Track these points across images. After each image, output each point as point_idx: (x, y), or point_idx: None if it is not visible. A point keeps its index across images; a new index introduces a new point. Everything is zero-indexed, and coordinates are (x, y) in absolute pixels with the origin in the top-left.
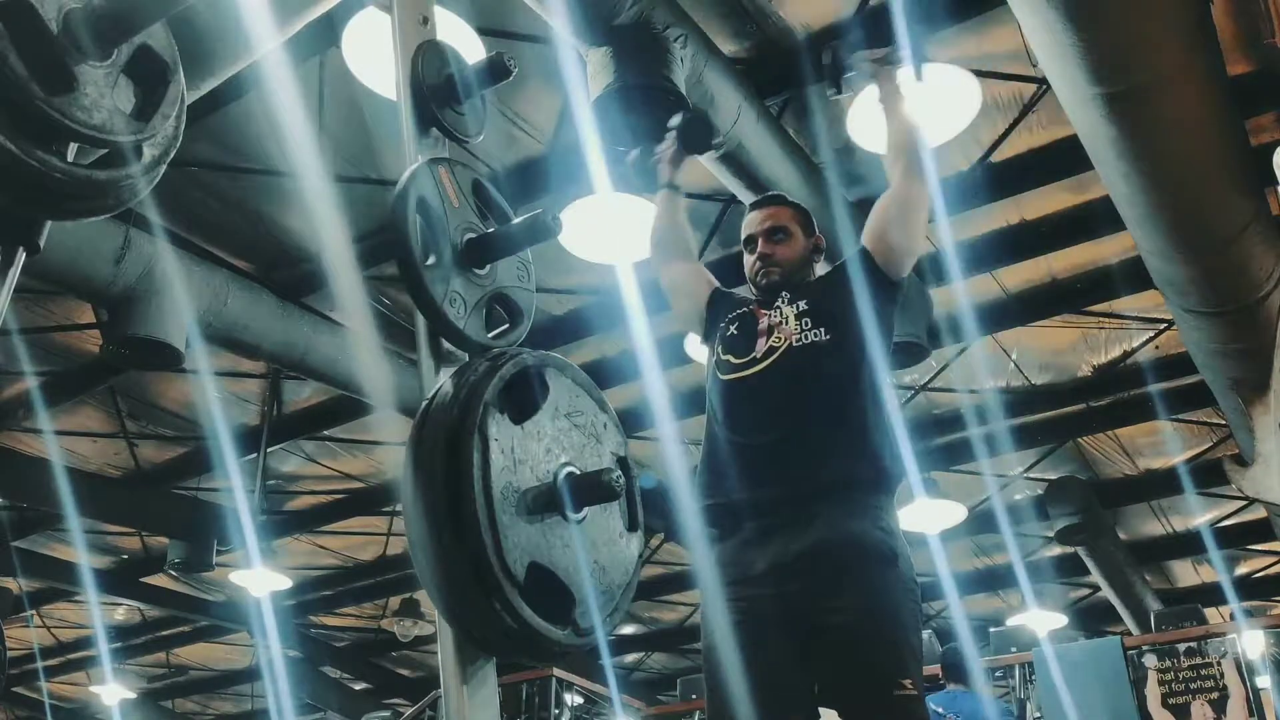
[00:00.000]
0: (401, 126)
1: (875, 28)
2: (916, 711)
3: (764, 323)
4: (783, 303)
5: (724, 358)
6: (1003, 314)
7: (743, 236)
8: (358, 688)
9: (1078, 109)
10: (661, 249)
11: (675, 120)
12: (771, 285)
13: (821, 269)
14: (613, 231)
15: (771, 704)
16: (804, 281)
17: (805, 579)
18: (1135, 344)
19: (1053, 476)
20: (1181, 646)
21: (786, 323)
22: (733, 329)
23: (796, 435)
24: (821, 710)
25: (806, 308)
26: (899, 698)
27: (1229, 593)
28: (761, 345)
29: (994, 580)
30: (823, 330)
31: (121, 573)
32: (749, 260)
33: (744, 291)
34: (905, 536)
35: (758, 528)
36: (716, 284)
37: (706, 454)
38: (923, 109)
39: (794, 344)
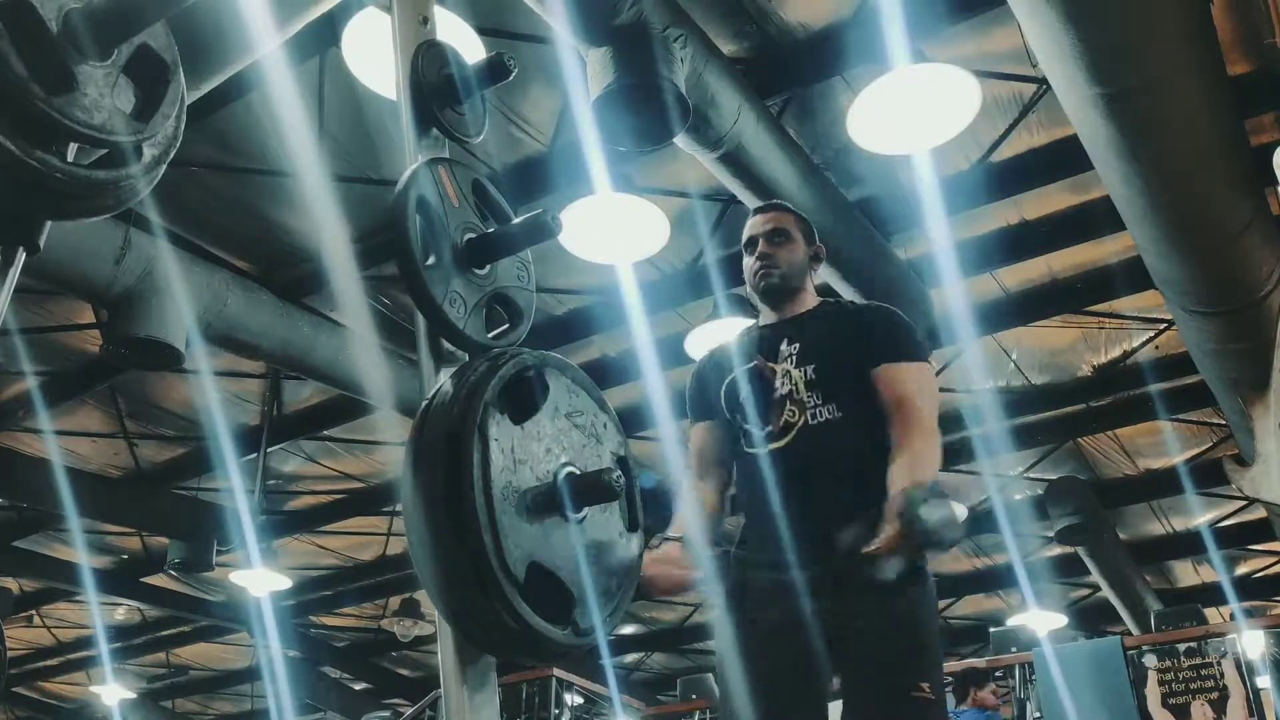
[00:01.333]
0: (401, 126)
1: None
2: (934, 716)
3: (776, 387)
4: (789, 362)
5: (745, 427)
6: (1003, 314)
7: (744, 239)
8: (358, 688)
9: (1078, 109)
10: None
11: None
12: (770, 287)
13: (822, 271)
14: (613, 231)
15: (786, 709)
16: (804, 318)
17: (826, 591)
18: (1135, 344)
19: (1053, 476)
20: (1181, 646)
21: (798, 390)
22: (745, 389)
23: (821, 500)
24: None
25: (814, 376)
26: (916, 700)
27: (1229, 593)
28: (776, 421)
29: (994, 580)
30: (834, 407)
31: (121, 573)
32: (749, 262)
33: (732, 342)
34: None
35: (784, 574)
36: (713, 415)
37: (740, 505)
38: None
39: (809, 422)
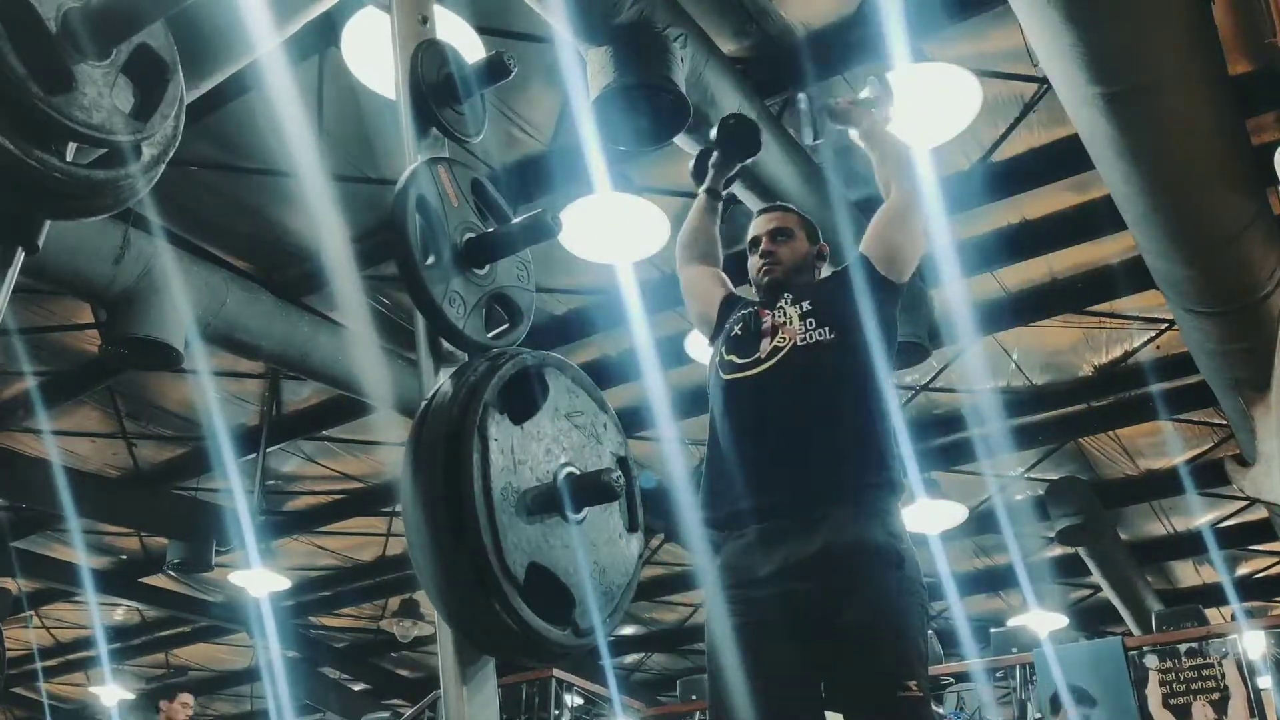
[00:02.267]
0: (401, 126)
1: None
2: (921, 713)
3: (767, 322)
4: (786, 303)
5: (727, 357)
6: (1003, 314)
7: (748, 239)
8: (357, 688)
9: (1078, 109)
10: (686, 249)
11: (719, 127)
12: (774, 282)
13: (824, 270)
14: (613, 231)
15: (776, 707)
16: (806, 283)
17: (812, 583)
18: (1136, 344)
19: (1053, 477)
20: (1183, 647)
21: (790, 322)
22: (737, 329)
23: (801, 437)
24: (828, 715)
25: (810, 308)
26: (904, 699)
27: (1230, 593)
28: (765, 345)
29: (995, 580)
30: (827, 330)
31: (121, 573)
32: (753, 260)
33: (751, 293)
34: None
35: (762, 531)
36: (731, 289)
37: (710, 457)
38: (904, 126)
39: (798, 343)
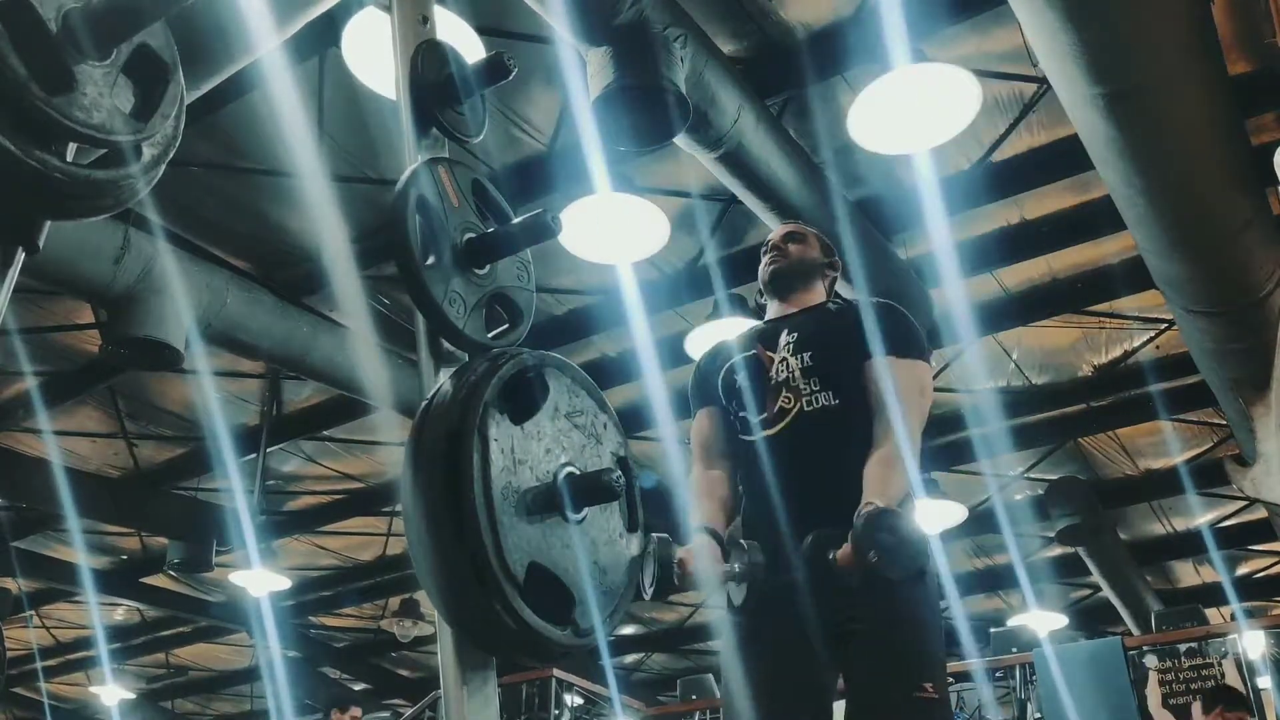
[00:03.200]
0: (401, 126)
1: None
2: (937, 715)
3: (772, 374)
4: (787, 349)
5: (740, 415)
6: (1003, 314)
7: (763, 245)
8: (357, 688)
9: (1078, 109)
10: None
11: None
12: (778, 273)
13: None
14: (613, 231)
15: (790, 707)
16: (808, 307)
17: (828, 591)
18: (1136, 344)
19: (1053, 477)
20: (1182, 647)
21: (794, 378)
22: (739, 378)
23: (820, 489)
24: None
25: (811, 362)
26: (920, 700)
27: (1230, 593)
28: (771, 407)
29: (994, 580)
30: (831, 394)
31: (121, 573)
32: (763, 262)
33: (734, 338)
34: None
35: (783, 541)
36: (713, 401)
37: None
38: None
39: (804, 408)
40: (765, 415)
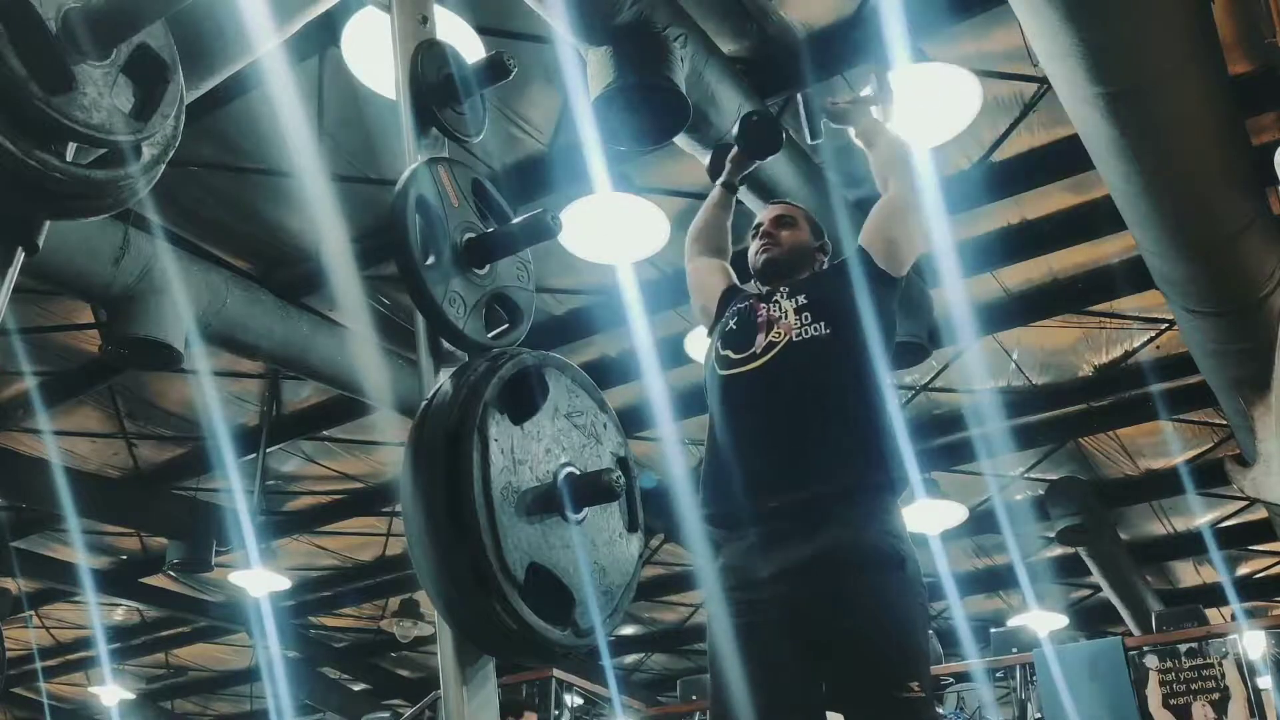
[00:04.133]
0: (401, 126)
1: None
2: (923, 714)
3: (762, 316)
4: (781, 296)
5: (722, 352)
6: (1003, 314)
7: (752, 227)
8: (357, 688)
9: (1078, 109)
10: (696, 242)
11: (741, 123)
12: (769, 261)
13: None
14: (613, 231)
15: (777, 708)
16: (804, 276)
17: (813, 584)
18: (1136, 344)
19: (1053, 477)
20: (1183, 647)
21: (786, 316)
22: (732, 323)
23: (799, 436)
24: (829, 715)
25: (806, 301)
26: (905, 699)
27: (1230, 593)
28: (760, 340)
29: (995, 580)
30: (823, 325)
31: (120, 573)
32: (753, 245)
33: (752, 287)
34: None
35: (763, 533)
36: (735, 281)
37: (708, 454)
38: (903, 124)
39: (794, 339)
40: (752, 350)
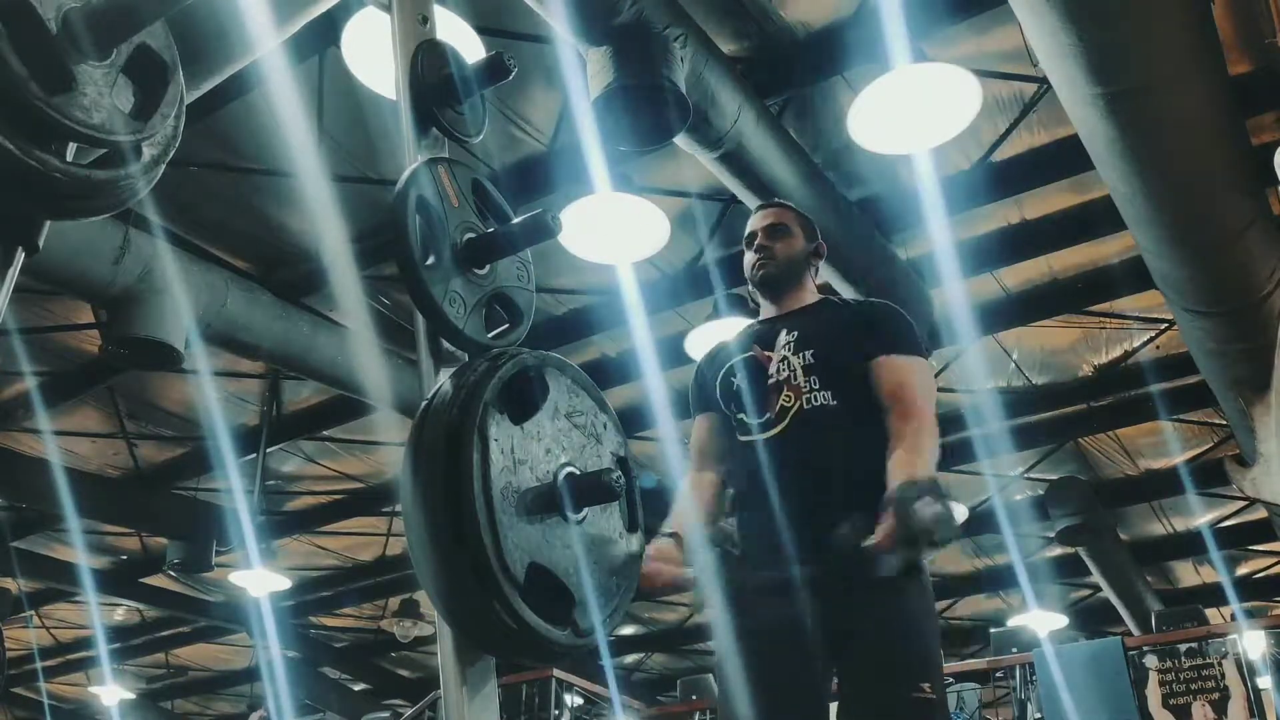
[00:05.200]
0: (401, 126)
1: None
2: (935, 716)
3: (771, 374)
4: (787, 348)
5: (738, 417)
6: (1003, 314)
7: (745, 234)
8: (357, 688)
9: (1078, 109)
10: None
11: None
12: (767, 277)
13: (823, 270)
14: (613, 231)
15: (786, 710)
16: (804, 308)
17: (826, 591)
18: (1136, 344)
19: (1053, 477)
20: (1182, 647)
21: (795, 376)
22: (738, 380)
23: (819, 495)
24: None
25: (812, 360)
26: (917, 700)
27: (1230, 593)
28: (774, 403)
29: (994, 580)
30: (830, 394)
31: (120, 573)
32: (748, 257)
33: (732, 339)
34: None
35: (783, 540)
36: (711, 407)
37: (741, 510)
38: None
39: (805, 406)
40: (767, 416)
